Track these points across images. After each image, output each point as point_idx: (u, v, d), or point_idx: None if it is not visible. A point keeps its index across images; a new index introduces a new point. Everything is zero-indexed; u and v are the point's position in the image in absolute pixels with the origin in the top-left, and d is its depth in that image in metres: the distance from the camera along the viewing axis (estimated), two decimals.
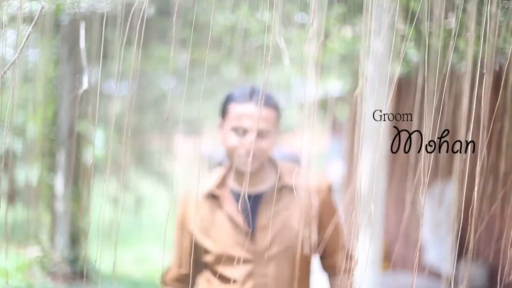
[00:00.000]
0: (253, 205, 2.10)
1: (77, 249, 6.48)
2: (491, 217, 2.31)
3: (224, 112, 2.11)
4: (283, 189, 2.11)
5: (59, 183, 6.36)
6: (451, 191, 5.23)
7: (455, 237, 1.36)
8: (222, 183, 2.16)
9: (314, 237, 2.10)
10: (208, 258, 2.13)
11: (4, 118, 1.40)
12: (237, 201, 2.11)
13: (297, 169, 2.12)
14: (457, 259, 1.46)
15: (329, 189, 2.16)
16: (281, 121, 2.14)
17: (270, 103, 2.08)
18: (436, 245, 5.62)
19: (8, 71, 1.31)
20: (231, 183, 2.16)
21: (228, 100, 2.11)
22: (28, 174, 5.92)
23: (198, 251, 2.13)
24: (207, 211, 2.14)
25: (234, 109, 2.06)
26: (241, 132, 2.04)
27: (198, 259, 2.15)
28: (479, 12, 1.86)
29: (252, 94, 2.06)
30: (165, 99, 7.75)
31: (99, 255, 1.56)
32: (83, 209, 6.34)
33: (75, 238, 6.49)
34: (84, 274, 5.37)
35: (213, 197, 2.14)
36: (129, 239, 8.14)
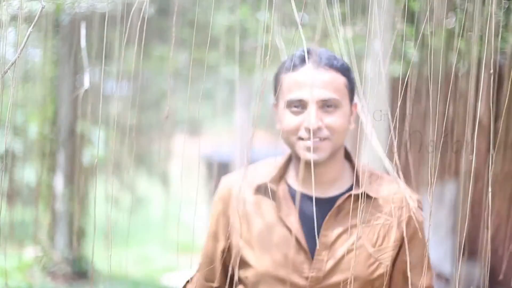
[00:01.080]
0: (318, 214, 1.51)
1: (77, 249, 6.48)
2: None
3: (275, 87, 1.56)
4: (363, 199, 1.49)
5: (59, 183, 6.37)
6: (451, 191, 5.23)
7: (466, 237, 1.37)
8: (278, 177, 1.57)
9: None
10: (245, 274, 1.56)
11: (4, 118, 1.40)
12: (297, 204, 1.54)
13: (383, 177, 1.59)
14: (458, 259, 1.46)
15: (421, 214, 1.56)
16: (355, 91, 1.55)
17: (335, 64, 1.50)
18: (436, 245, 5.62)
19: (8, 70, 1.31)
20: (290, 180, 1.58)
21: (279, 72, 1.55)
22: (28, 174, 5.92)
23: (234, 261, 1.57)
24: (254, 211, 1.57)
25: (287, 78, 1.51)
26: (300, 107, 1.48)
27: (233, 272, 1.59)
28: (480, 13, 1.86)
29: (308, 56, 1.48)
30: (165, 99, 7.76)
31: (99, 255, 1.56)
32: (83, 209, 6.34)
33: (75, 238, 6.49)
34: (89, 274, 5.37)
35: (265, 193, 1.55)
36: (129, 239, 8.14)
